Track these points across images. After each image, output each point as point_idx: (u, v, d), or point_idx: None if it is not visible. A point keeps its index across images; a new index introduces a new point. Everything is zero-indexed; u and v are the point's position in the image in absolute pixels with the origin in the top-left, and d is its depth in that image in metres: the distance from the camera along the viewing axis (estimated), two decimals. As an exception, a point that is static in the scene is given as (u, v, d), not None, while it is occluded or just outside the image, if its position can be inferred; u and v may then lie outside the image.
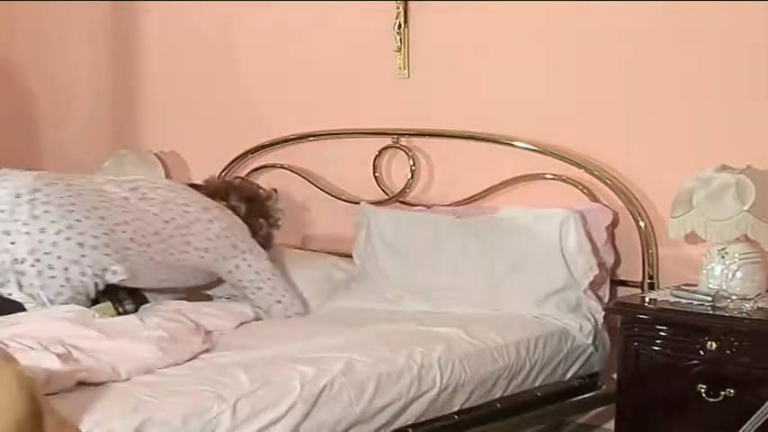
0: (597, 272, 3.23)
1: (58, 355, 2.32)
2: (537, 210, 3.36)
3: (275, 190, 3.71)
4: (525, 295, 3.25)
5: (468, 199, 3.67)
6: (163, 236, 3.10)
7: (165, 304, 3.05)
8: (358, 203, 3.84)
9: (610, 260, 3.36)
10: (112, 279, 2.96)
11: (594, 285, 3.27)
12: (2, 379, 1.86)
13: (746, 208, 2.86)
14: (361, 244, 3.69)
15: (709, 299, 2.85)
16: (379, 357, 2.71)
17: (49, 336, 2.47)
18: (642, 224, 3.31)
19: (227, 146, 4.22)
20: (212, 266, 3.24)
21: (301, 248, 4.00)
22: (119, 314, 2.95)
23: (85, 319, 2.68)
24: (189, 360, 2.64)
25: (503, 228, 3.39)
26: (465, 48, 3.70)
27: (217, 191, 3.51)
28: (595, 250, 3.27)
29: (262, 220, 3.54)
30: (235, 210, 3.44)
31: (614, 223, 3.37)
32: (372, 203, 3.79)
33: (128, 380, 2.40)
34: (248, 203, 3.52)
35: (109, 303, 2.99)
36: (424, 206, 3.74)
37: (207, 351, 2.73)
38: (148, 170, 4.26)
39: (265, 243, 3.49)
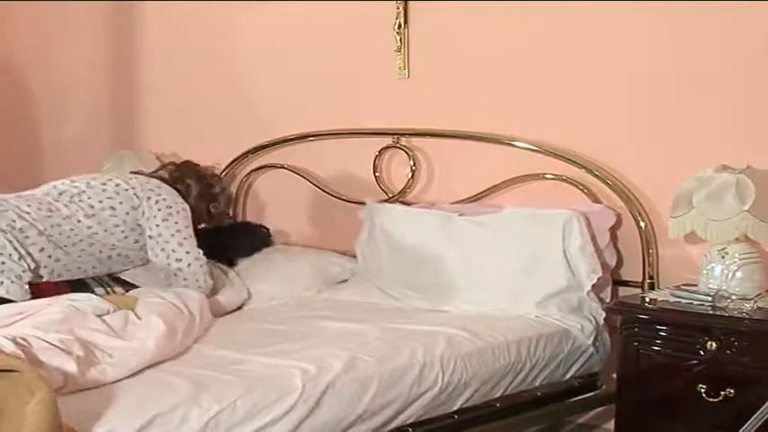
0: (600, 275, 3.23)
1: (78, 357, 2.36)
2: (541, 210, 3.35)
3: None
4: (527, 295, 3.24)
5: (468, 199, 3.67)
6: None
7: (154, 293, 3.05)
8: (358, 203, 3.84)
9: (612, 262, 3.36)
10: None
11: (597, 288, 3.27)
12: (35, 392, 1.90)
13: (746, 208, 2.86)
14: (365, 240, 3.69)
15: (709, 299, 2.85)
16: (382, 356, 2.71)
17: (67, 328, 2.51)
18: (642, 224, 3.31)
19: (227, 146, 4.22)
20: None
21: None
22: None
23: (102, 311, 2.72)
24: (187, 352, 2.66)
25: (506, 227, 3.38)
26: (465, 48, 3.70)
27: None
28: (598, 252, 3.27)
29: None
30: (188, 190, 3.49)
31: (615, 224, 3.37)
32: (372, 204, 3.79)
33: (129, 377, 2.40)
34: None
35: (128, 296, 3.00)
36: (430, 204, 3.74)
37: (207, 348, 2.74)
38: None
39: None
